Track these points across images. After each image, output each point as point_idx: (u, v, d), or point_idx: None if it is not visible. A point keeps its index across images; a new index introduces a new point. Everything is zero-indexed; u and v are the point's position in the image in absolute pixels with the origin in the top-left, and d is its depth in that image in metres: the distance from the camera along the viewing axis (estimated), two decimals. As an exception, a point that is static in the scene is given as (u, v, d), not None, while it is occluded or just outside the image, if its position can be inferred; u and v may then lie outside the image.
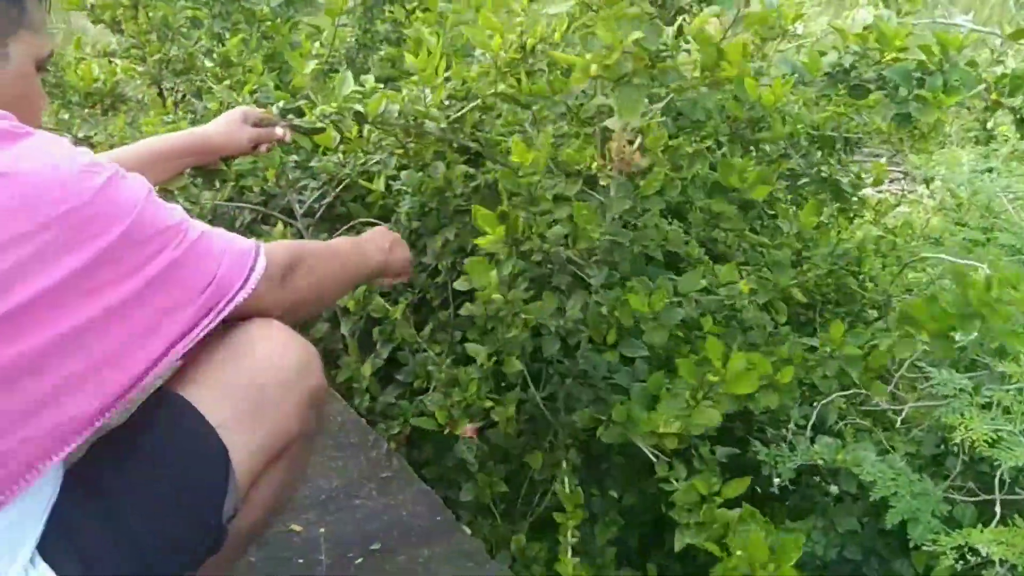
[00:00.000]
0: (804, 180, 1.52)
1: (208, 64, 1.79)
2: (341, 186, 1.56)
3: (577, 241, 1.25)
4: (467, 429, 1.35)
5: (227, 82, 1.63)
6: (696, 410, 1.18)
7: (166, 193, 1.42)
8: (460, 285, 1.32)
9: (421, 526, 1.40)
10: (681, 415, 1.19)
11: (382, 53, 2.08)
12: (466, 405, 1.32)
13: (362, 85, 1.35)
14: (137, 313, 0.81)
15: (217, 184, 1.50)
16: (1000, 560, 1.27)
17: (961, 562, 1.32)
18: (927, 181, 2.22)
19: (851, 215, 1.88)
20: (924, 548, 1.32)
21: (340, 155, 1.52)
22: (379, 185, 1.50)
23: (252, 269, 0.92)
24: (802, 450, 1.49)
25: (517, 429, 1.52)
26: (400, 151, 1.49)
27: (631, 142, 1.17)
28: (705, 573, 1.74)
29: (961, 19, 1.78)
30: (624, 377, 1.45)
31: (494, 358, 1.34)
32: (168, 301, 0.84)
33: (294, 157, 1.57)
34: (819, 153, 1.52)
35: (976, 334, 1.17)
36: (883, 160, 2.38)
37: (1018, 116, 1.25)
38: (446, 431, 1.34)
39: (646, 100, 1.10)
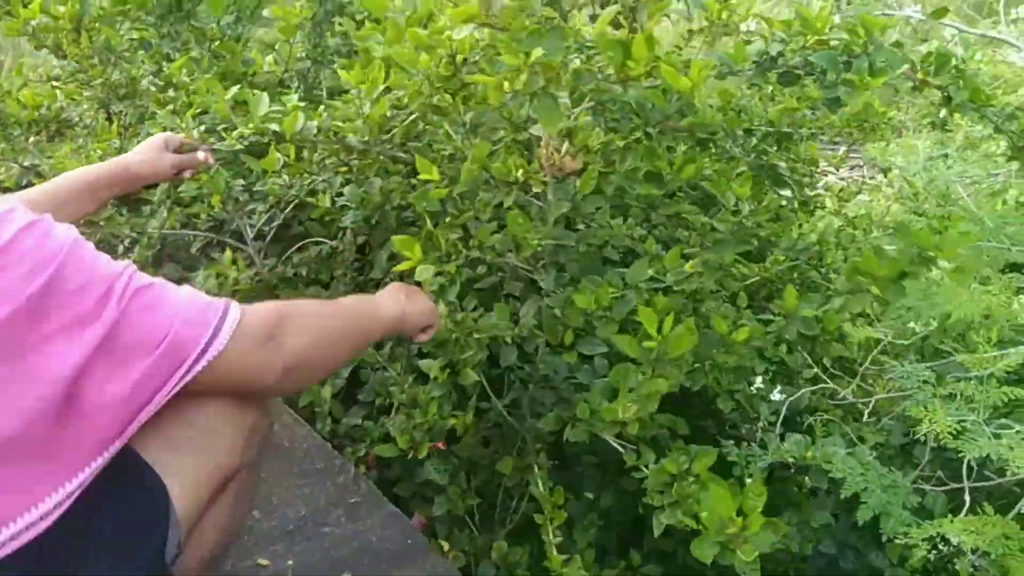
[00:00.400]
0: (743, 169, 1.50)
1: (152, 89, 1.75)
2: (289, 207, 1.53)
3: (520, 249, 1.24)
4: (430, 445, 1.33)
5: (170, 106, 1.59)
6: (648, 383, 1.16)
7: (94, 225, 1.39)
8: None
9: (391, 550, 1.38)
10: (638, 397, 1.17)
11: (335, 66, 2.05)
12: (428, 427, 1.30)
13: (283, 104, 1.33)
14: (83, 384, 0.74)
15: (165, 213, 1.47)
16: (972, 549, 1.28)
17: (934, 551, 1.33)
18: (885, 171, 2.23)
19: (811, 208, 1.89)
20: (897, 541, 1.32)
21: (285, 177, 1.50)
22: (325, 201, 1.48)
23: (220, 325, 0.83)
24: (773, 448, 1.49)
25: (483, 439, 1.51)
26: (344, 168, 1.47)
27: (559, 147, 1.15)
28: (685, 571, 1.74)
29: (910, 10, 1.79)
30: (586, 375, 1.44)
31: (448, 370, 1.32)
32: (114, 362, 0.77)
33: (240, 181, 1.54)
34: (753, 140, 1.51)
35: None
36: (842, 149, 2.39)
37: (945, 94, 1.25)
38: (409, 455, 1.32)
39: (567, 102, 1.08)
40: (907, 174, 2.04)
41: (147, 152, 1.34)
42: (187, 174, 1.39)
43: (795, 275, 1.83)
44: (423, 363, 1.34)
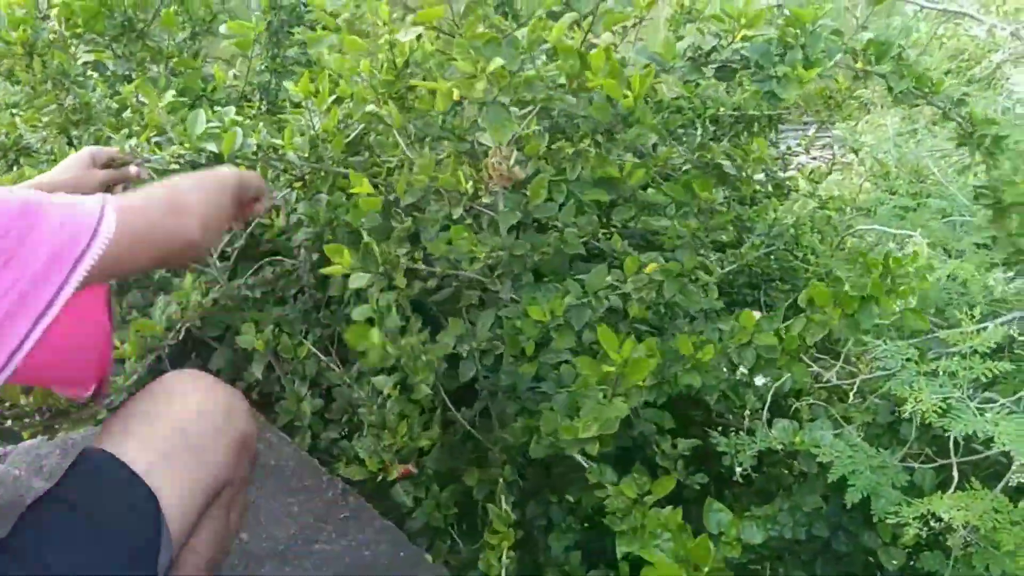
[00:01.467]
0: (687, 168, 1.48)
1: (105, 114, 1.70)
2: (248, 227, 1.50)
3: (470, 262, 1.22)
4: (401, 469, 1.30)
5: (125, 130, 1.55)
6: (608, 406, 1.15)
7: None
8: (358, 315, 1.29)
9: (384, 564, 1.36)
10: (598, 416, 1.15)
11: (295, 77, 2.02)
12: (397, 449, 1.28)
13: (221, 120, 1.29)
14: None
15: None
16: (962, 524, 1.28)
17: (926, 528, 1.33)
18: (855, 150, 2.24)
19: (785, 191, 1.89)
20: (888, 520, 1.33)
21: None
22: (280, 221, 1.44)
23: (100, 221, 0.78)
24: (760, 436, 1.48)
25: (450, 449, 1.48)
26: (298, 184, 1.44)
27: (507, 157, 1.12)
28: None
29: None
30: (551, 385, 1.42)
31: (399, 387, 1.30)
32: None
33: None
34: (699, 136, 1.49)
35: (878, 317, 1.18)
36: (812, 130, 2.40)
37: (888, 84, 1.24)
38: (379, 478, 1.30)
39: (517, 111, 1.07)
40: (877, 152, 2.04)
41: (73, 169, 1.27)
42: (118, 189, 1.32)
43: (772, 261, 1.83)
44: (376, 380, 1.31)
